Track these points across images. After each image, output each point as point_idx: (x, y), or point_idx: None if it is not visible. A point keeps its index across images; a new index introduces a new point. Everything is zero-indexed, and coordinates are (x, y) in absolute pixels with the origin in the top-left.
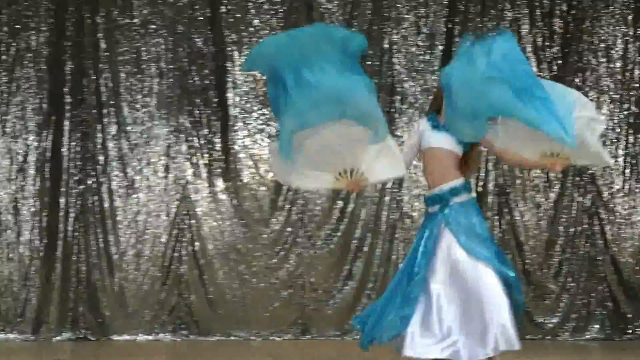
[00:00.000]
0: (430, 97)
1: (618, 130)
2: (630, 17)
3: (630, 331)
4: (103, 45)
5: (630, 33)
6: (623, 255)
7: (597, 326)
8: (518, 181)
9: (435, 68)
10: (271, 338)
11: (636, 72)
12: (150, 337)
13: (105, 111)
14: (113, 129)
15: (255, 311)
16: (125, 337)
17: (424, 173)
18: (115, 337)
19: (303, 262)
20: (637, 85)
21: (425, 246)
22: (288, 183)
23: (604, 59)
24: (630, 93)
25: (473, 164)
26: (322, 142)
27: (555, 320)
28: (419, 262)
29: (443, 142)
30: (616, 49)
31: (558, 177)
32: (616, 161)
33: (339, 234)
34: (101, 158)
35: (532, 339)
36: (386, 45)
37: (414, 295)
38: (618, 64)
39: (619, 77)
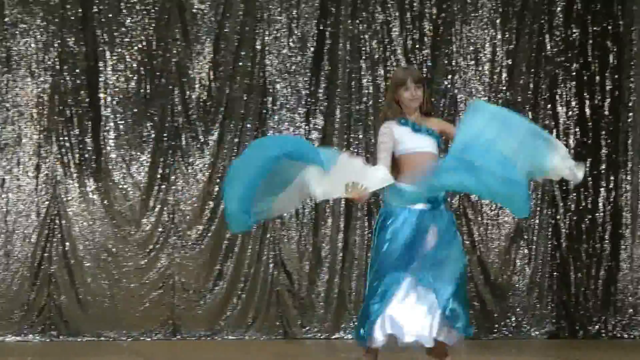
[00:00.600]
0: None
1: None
2: (498, 21)
3: (496, 330)
4: None
5: (499, 37)
6: (489, 255)
7: None
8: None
9: (307, 70)
10: (141, 338)
11: (504, 75)
12: (19, 338)
13: None
14: None
15: (126, 311)
16: None
17: (404, 173)
18: None
19: (174, 263)
20: (504, 88)
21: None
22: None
23: (472, 62)
24: (498, 96)
25: None
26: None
27: None
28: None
29: (430, 145)
30: (484, 52)
31: None
32: None
33: (209, 234)
34: None
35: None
36: (258, 47)
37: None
38: (486, 67)
39: (487, 80)
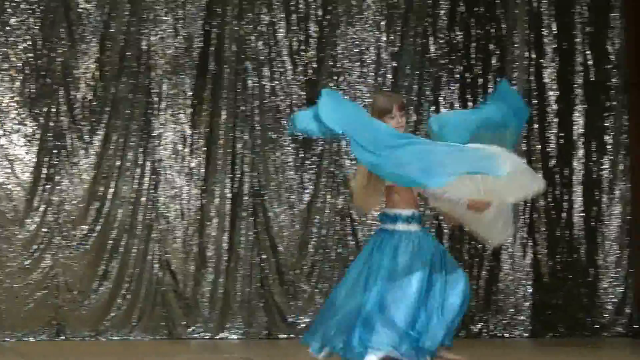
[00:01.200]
0: None
1: None
2: (382, 23)
3: None
4: None
5: (383, 39)
6: None
7: None
8: (273, 183)
9: (193, 71)
10: (25, 339)
11: (388, 76)
12: None
13: None
14: None
15: (9, 312)
16: None
17: (389, 198)
18: None
19: (58, 263)
20: (389, 89)
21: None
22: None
23: (357, 64)
24: None
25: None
26: None
27: (307, 319)
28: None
29: None
30: (369, 54)
31: (311, 179)
32: None
33: (94, 234)
34: None
35: (287, 337)
36: (144, 47)
37: None
38: (371, 69)
39: (372, 81)
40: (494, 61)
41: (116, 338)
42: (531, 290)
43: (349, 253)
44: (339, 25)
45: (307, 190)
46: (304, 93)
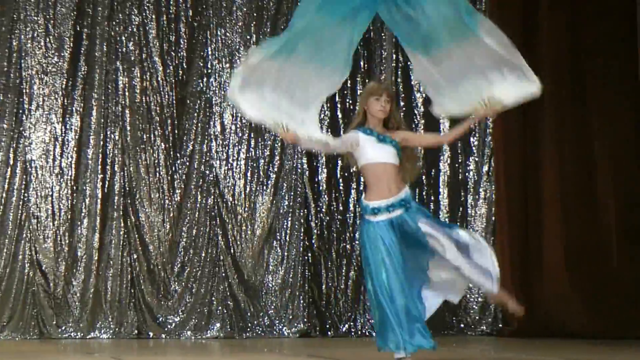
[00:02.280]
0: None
1: (240, 134)
2: (252, 25)
3: (249, 329)
4: None
5: (253, 39)
6: (243, 255)
7: (218, 325)
8: (144, 183)
9: (64, 71)
10: None
11: None
12: None
13: None
14: None
15: None
16: None
17: (370, 183)
18: None
19: None
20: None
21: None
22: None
23: (227, 65)
24: None
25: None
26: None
27: (177, 319)
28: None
29: (392, 156)
30: (239, 55)
31: (182, 179)
32: (238, 164)
33: None
34: None
35: (156, 337)
36: (15, 47)
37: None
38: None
39: None
40: (361, 63)
41: None
42: None
43: (219, 253)
44: (209, 26)
45: (177, 191)
46: (174, 93)
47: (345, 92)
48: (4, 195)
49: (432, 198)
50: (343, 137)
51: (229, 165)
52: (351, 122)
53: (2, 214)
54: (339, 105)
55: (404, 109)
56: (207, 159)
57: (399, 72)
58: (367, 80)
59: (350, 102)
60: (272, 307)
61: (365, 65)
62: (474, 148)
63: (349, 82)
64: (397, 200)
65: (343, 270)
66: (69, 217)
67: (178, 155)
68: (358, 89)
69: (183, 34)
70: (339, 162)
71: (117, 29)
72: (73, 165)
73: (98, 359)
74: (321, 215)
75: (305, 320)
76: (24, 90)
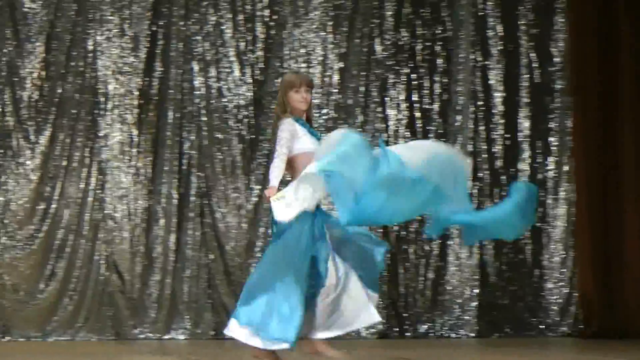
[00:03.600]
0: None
1: (318, 134)
2: (329, 24)
3: None
4: None
5: (330, 39)
6: None
7: None
8: (220, 183)
9: (140, 71)
10: None
11: (335, 77)
12: None
13: None
14: None
15: None
16: None
17: (295, 173)
18: None
19: (4, 263)
20: (336, 90)
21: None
22: None
23: (304, 65)
24: (330, 98)
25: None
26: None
27: None
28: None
29: (315, 147)
30: (316, 55)
31: (259, 179)
32: None
33: (41, 234)
34: None
35: (232, 338)
36: (90, 47)
37: None
38: (318, 70)
39: (319, 82)
40: (439, 62)
41: (63, 339)
42: (477, 290)
43: None
44: (285, 25)
45: (255, 191)
46: (251, 94)
47: (423, 91)
48: (80, 195)
49: None
50: (287, 134)
51: None
52: (276, 113)
53: (78, 214)
54: (415, 105)
55: (482, 109)
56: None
57: (477, 73)
58: (443, 81)
59: (430, 102)
60: None
61: (444, 65)
62: (553, 148)
63: (426, 82)
64: None
65: (421, 271)
66: (145, 217)
67: (254, 155)
68: (435, 90)
69: (259, 33)
70: None
71: (192, 28)
72: (149, 166)
73: None
74: None
75: (383, 321)
76: (100, 91)
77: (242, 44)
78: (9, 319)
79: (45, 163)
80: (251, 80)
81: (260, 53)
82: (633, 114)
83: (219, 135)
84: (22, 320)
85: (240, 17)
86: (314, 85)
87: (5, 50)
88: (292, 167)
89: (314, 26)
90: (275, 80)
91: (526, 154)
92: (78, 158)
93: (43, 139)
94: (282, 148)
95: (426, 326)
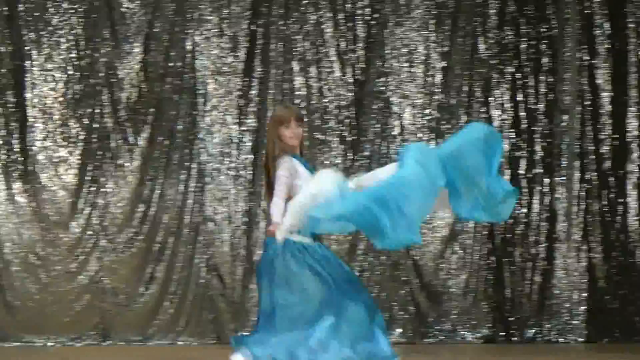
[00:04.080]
0: None
1: (420, 135)
2: (432, 23)
3: (431, 335)
4: None
5: (432, 38)
6: (424, 259)
7: (399, 330)
8: None
9: (239, 70)
10: (70, 344)
11: (438, 77)
12: None
13: None
14: None
15: (55, 316)
16: None
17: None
18: None
19: (104, 266)
20: (438, 90)
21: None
22: None
23: (406, 64)
24: (433, 98)
25: None
26: None
27: None
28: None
29: None
30: (418, 54)
31: None
32: None
33: (140, 237)
34: None
35: None
36: (189, 47)
37: None
38: (420, 69)
39: (421, 82)
40: (545, 61)
41: (163, 342)
42: (586, 294)
43: (399, 256)
44: (387, 24)
45: None
46: (352, 94)
47: (528, 90)
48: (180, 198)
49: (621, 200)
50: (283, 172)
51: None
52: (270, 152)
53: (178, 217)
54: (520, 105)
55: (589, 108)
56: (386, 160)
57: (584, 72)
58: (549, 80)
59: (535, 101)
60: (455, 312)
61: (550, 63)
62: None
63: (531, 81)
64: None
65: (528, 274)
66: (245, 220)
67: (356, 157)
68: (541, 89)
69: (360, 32)
70: (520, 164)
71: (292, 27)
72: (249, 167)
73: None
74: None
75: (489, 325)
76: (199, 91)
77: (343, 43)
78: (109, 323)
79: (144, 165)
80: (352, 80)
81: (361, 52)
82: None
83: (320, 136)
84: (122, 324)
85: (341, 15)
86: (303, 117)
87: (103, 51)
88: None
89: (416, 25)
90: (377, 80)
91: (635, 155)
92: (177, 159)
93: (142, 141)
94: (282, 186)
95: (533, 331)
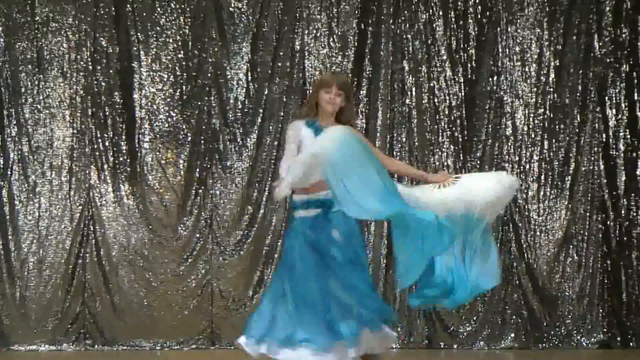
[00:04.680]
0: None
1: (533, 135)
2: (545, 20)
3: (545, 340)
4: (3, 43)
5: (545, 36)
6: (538, 262)
7: (512, 334)
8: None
9: (348, 70)
10: (178, 347)
11: (551, 76)
12: (52, 348)
13: (5, 112)
14: (13, 131)
15: (163, 320)
16: (27, 347)
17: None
18: (16, 348)
19: (212, 269)
20: (552, 89)
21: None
22: None
23: (518, 63)
24: (546, 97)
25: None
26: None
27: (469, 328)
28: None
29: None
30: (531, 52)
31: None
32: (531, 167)
33: (249, 240)
34: (0, 161)
35: (446, 347)
36: (297, 47)
37: None
38: (533, 68)
39: (534, 81)
40: None
41: None
42: None
43: (512, 259)
44: (499, 22)
45: None
46: (463, 93)
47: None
48: (289, 200)
49: None
50: (293, 139)
51: (521, 167)
52: (298, 112)
53: (287, 219)
54: (637, 105)
55: None
56: (499, 161)
57: None
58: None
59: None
60: (570, 316)
61: None
62: None
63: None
64: (313, 200)
65: None
66: None
67: (468, 157)
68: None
69: (471, 30)
70: (637, 164)
71: (402, 26)
72: None
73: None
74: (620, 219)
75: (605, 330)
76: (309, 91)
77: (454, 42)
78: (218, 326)
79: (253, 166)
80: (463, 80)
81: (472, 51)
82: None
83: (431, 137)
84: (230, 327)
85: (452, 14)
86: (350, 89)
87: (211, 51)
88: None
89: (529, 22)
90: (488, 80)
91: None
92: None
93: (250, 142)
94: (290, 145)
95: None
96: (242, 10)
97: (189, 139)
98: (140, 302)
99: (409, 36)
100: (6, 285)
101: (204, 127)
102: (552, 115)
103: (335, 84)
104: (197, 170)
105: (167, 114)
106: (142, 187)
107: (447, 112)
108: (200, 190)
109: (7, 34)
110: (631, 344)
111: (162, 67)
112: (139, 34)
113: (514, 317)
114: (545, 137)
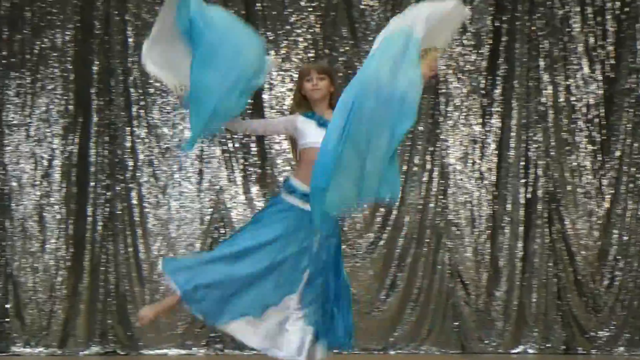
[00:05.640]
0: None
1: None
2: None
3: None
4: (132, 43)
5: None
6: None
7: None
8: (569, 188)
9: (482, 68)
10: None
11: None
12: (182, 352)
13: (134, 113)
14: (143, 132)
15: None
16: (156, 351)
17: (300, 167)
18: (146, 352)
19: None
20: None
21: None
22: None
23: None
24: None
25: None
26: None
27: (608, 333)
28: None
29: None
30: None
31: (611, 183)
32: None
33: (381, 243)
34: (130, 163)
35: (585, 353)
36: None
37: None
38: None
39: None
40: None
41: (405, 352)
42: None
43: None
44: (638, 18)
45: (607, 196)
46: (601, 91)
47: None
48: (421, 202)
49: None
50: (282, 118)
51: None
52: (291, 109)
53: (420, 221)
54: None
55: None
56: (638, 161)
57: None
58: None
59: None
60: None
61: None
62: None
63: None
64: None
65: None
66: (489, 224)
67: (606, 158)
68: None
69: (610, 27)
70: None
71: (538, 23)
72: (493, 170)
73: None
74: None
75: None
76: (441, 91)
77: (592, 39)
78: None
79: None
80: (601, 78)
81: (610, 48)
82: None
83: (567, 136)
84: (362, 331)
85: (589, 10)
86: (333, 72)
87: (342, 50)
88: (300, 161)
89: None
90: (628, 77)
91: None
92: (418, 162)
93: None
94: (278, 119)
95: None
96: (374, 7)
97: None
98: None
99: (545, 33)
100: (135, 289)
101: None
102: None
103: (313, 69)
104: None
105: None
106: (273, 189)
107: (584, 111)
108: None
109: (136, 34)
110: None
111: (292, 67)
112: (269, 32)
113: None
114: None
